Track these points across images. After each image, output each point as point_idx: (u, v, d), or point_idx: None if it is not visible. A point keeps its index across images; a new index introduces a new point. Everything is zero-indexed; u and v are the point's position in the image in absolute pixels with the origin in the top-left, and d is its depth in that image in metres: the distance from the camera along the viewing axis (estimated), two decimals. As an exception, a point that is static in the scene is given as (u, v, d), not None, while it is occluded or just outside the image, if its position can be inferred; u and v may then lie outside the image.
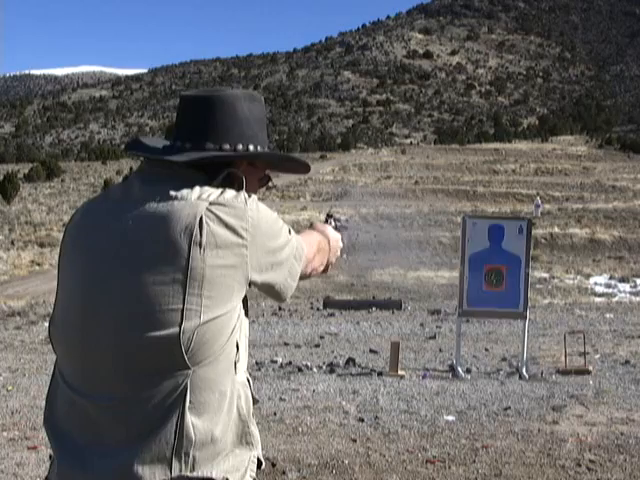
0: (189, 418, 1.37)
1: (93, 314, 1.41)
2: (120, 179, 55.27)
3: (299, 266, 1.57)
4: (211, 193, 1.43)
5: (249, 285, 1.47)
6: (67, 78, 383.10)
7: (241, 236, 1.42)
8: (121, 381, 1.39)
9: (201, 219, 1.39)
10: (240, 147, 1.53)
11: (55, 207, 46.08)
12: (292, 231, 1.56)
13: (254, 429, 1.53)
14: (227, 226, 1.41)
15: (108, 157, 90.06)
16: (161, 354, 1.37)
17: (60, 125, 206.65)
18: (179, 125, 1.56)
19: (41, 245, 33.57)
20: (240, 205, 1.44)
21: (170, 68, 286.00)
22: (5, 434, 5.46)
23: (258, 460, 1.56)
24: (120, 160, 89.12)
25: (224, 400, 1.42)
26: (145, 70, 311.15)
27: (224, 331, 1.42)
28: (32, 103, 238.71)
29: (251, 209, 1.45)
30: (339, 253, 1.81)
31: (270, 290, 1.54)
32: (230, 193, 1.45)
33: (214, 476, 1.41)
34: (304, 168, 1.72)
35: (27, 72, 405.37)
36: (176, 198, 1.42)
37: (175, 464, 1.37)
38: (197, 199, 1.41)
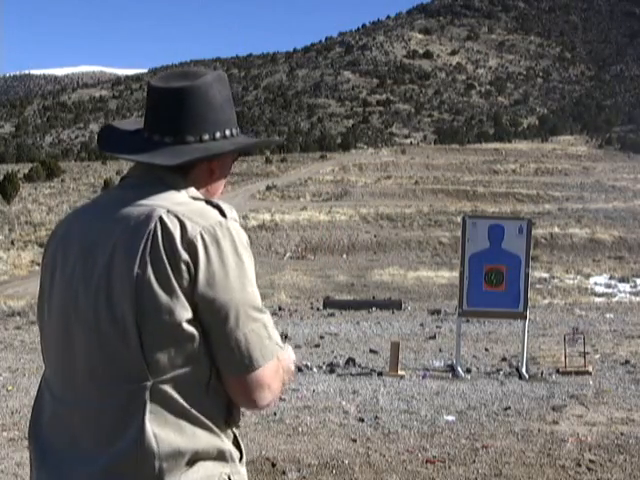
0: (150, 429, 1.34)
1: (69, 323, 1.42)
2: (119, 179, 55.13)
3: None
4: (184, 211, 1.39)
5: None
6: (67, 78, 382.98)
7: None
8: (87, 387, 1.40)
9: (155, 236, 1.36)
10: (218, 134, 1.52)
11: (55, 207, 46.07)
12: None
13: (228, 445, 1.44)
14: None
15: (108, 157, 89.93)
16: (124, 365, 1.36)
17: (60, 125, 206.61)
18: (154, 117, 1.51)
19: (41, 245, 33.51)
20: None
21: (170, 68, 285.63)
22: (5, 434, 5.46)
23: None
24: (120, 160, 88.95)
25: (190, 411, 1.38)
26: (145, 70, 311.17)
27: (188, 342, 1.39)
28: (32, 103, 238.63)
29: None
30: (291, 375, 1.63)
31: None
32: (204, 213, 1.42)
33: None
34: (277, 143, 1.77)
35: (27, 72, 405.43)
36: (144, 207, 1.41)
37: (139, 475, 1.35)
38: (167, 211, 1.39)
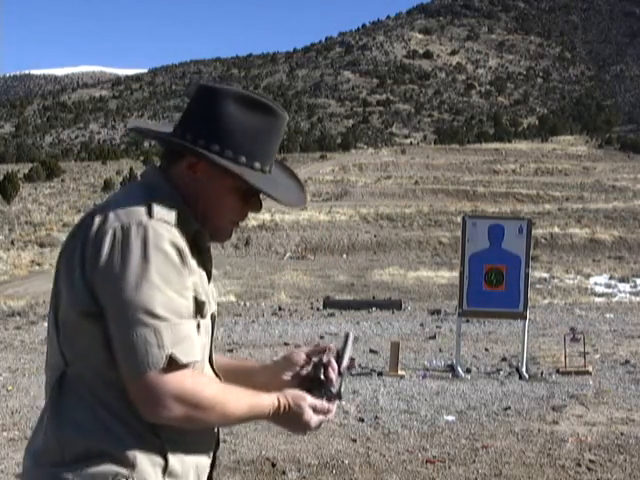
0: (54, 418, 1.39)
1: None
2: (120, 179, 55.22)
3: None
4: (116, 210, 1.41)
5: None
6: (67, 78, 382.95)
7: None
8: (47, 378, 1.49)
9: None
10: (202, 142, 1.44)
11: (55, 207, 46.09)
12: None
13: (136, 451, 1.37)
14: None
15: (108, 157, 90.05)
16: (55, 354, 1.43)
17: (60, 125, 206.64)
18: None
19: (41, 245, 33.59)
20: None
21: (170, 68, 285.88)
22: (5, 434, 5.46)
23: None
24: (120, 160, 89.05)
25: (95, 406, 1.37)
26: (145, 70, 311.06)
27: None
28: (32, 103, 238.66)
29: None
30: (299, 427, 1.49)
31: None
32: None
33: (66, 477, 1.36)
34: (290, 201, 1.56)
35: (27, 72, 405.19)
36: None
37: (46, 459, 1.39)
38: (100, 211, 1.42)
